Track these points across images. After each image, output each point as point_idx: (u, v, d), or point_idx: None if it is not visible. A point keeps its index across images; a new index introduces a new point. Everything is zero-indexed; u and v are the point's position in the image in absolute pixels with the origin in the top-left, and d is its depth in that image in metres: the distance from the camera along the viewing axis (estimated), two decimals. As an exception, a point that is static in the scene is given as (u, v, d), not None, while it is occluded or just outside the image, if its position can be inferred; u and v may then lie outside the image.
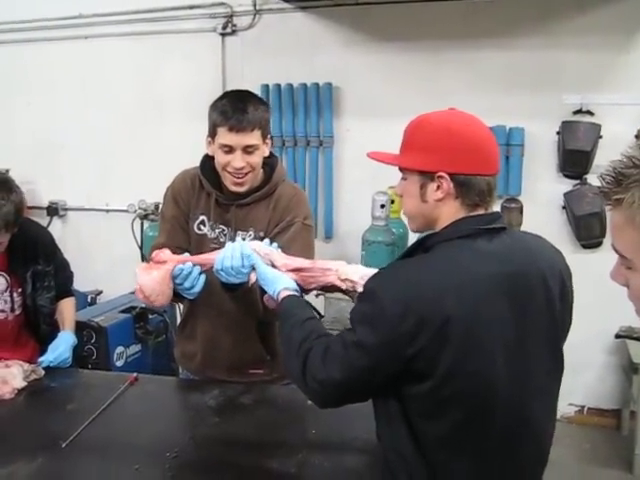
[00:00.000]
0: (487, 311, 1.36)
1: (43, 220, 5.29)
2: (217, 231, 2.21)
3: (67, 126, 5.06)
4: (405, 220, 1.64)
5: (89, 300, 4.88)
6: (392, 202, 3.93)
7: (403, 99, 4.00)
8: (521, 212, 3.56)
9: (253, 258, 1.83)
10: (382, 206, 3.85)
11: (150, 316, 3.97)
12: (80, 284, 5.22)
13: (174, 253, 1.99)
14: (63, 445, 1.83)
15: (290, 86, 4.43)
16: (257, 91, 4.47)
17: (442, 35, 4.08)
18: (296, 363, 1.51)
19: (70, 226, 5.35)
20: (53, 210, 5.27)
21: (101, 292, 4.99)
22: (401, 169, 1.53)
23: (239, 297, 2.05)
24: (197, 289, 1.91)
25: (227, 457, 1.77)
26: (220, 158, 2.09)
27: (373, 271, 1.70)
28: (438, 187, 1.44)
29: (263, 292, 1.83)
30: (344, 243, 4.56)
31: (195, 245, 2.21)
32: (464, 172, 1.43)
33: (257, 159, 2.10)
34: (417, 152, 1.47)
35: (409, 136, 1.52)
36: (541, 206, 4.00)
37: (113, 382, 2.26)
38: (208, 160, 2.19)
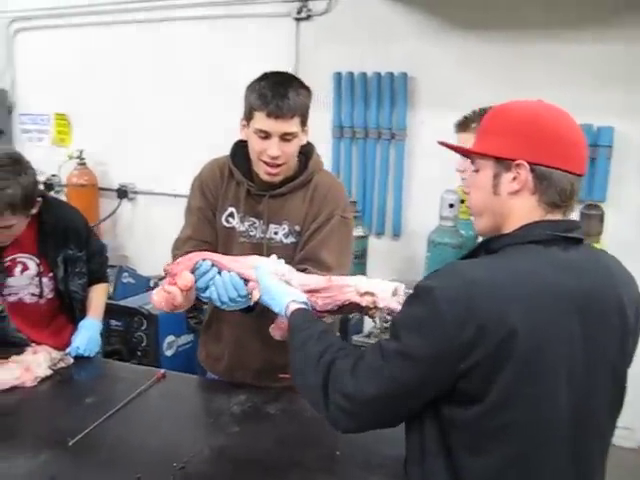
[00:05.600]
0: (556, 329, 1.16)
1: (113, 202, 5.32)
2: (247, 224, 2.05)
3: (138, 110, 5.03)
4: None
5: (152, 284, 4.83)
6: (462, 202, 3.67)
7: (481, 92, 3.69)
8: (601, 220, 3.23)
9: (244, 286, 1.65)
10: (451, 205, 3.61)
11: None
12: (144, 268, 5.25)
13: (200, 248, 1.88)
14: (70, 443, 1.72)
15: (363, 75, 4.22)
16: (329, 79, 4.31)
17: (523, 25, 3.76)
18: (314, 378, 1.31)
19: (139, 209, 5.33)
20: (123, 193, 5.27)
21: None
22: (473, 158, 1.33)
23: None
24: (208, 294, 1.72)
25: (235, 475, 1.61)
26: (255, 144, 1.94)
27: (395, 285, 1.50)
28: (514, 178, 1.24)
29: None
30: (412, 242, 4.34)
31: (223, 239, 2.07)
32: (547, 164, 1.23)
33: (294, 148, 1.95)
34: (495, 137, 1.28)
35: (487, 122, 1.32)
36: (628, 215, 3.64)
37: (139, 377, 2.15)
38: (240, 147, 2.05)
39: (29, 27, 5.52)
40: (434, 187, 3.87)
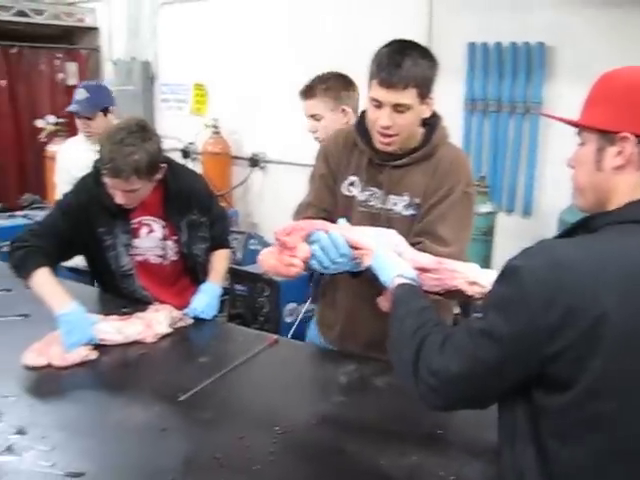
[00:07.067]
0: None
1: (245, 170, 5.47)
2: (367, 193, 2.02)
3: (271, 80, 5.13)
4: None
5: (279, 253, 4.94)
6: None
7: (624, 65, 3.47)
8: None
9: (345, 244, 1.62)
10: (586, 184, 3.41)
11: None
12: (273, 236, 5.38)
13: (319, 216, 1.90)
14: (181, 398, 1.79)
15: (498, 45, 4.06)
16: (463, 50, 4.17)
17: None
18: (407, 351, 1.29)
19: (269, 178, 5.46)
20: (254, 161, 5.41)
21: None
22: (579, 132, 1.25)
23: None
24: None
25: (336, 444, 1.60)
26: (370, 112, 1.91)
27: None
28: (619, 152, 1.15)
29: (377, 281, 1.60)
30: (543, 222, 4.15)
31: (342, 208, 2.05)
32: None
33: (408, 120, 1.88)
34: (599, 107, 1.19)
35: (593, 92, 1.24)
36: None
37: (253, 341, 2.19)
38: (365, 117, 2.02)
39: (173, 0, 5.74)
40: (569, 164, 3.67)
